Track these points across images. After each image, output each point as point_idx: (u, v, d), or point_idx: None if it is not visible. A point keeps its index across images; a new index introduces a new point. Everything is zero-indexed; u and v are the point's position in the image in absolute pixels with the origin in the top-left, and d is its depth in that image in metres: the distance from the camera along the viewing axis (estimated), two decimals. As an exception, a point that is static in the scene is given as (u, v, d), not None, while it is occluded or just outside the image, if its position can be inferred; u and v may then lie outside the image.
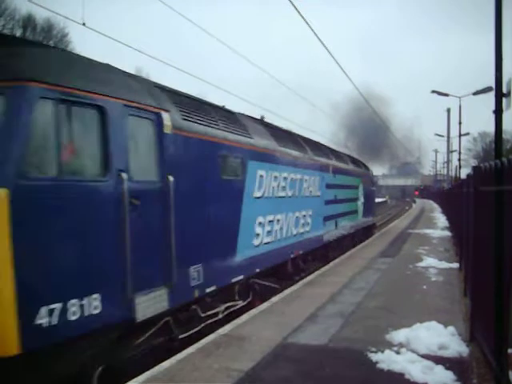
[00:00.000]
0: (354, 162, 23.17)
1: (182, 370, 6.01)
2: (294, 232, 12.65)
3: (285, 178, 12.00)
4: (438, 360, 6.14)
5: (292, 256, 12.57)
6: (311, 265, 14.78)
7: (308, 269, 14.22)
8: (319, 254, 15.75)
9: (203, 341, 7.14)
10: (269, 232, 10.93)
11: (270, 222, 10.97)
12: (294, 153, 13.00)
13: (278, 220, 11.52)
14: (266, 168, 10.79)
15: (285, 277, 12.45)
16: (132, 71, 7.62)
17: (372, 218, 26.38)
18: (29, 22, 42.59)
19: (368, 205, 24.30)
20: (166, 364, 6.22)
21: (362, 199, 22.50)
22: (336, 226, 17.17)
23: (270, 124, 13.64)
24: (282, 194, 11.85)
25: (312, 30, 13.68)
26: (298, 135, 15.54)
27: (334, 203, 16.89)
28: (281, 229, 11.71)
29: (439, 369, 5.84)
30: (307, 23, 12.98)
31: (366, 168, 26.21)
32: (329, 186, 16.10)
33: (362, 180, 23.02)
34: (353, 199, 20.63)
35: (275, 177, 11.36)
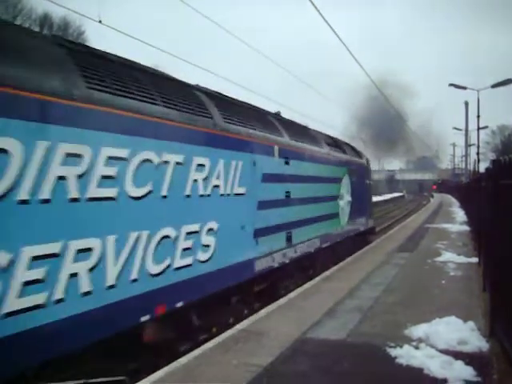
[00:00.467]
0: (337, 144, 16.87)
1: (199, 365, 6.05)
2: (155, 269, 6.32)
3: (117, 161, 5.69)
4: (457, 355, 6.11)
5: (146, 318, 6.17)
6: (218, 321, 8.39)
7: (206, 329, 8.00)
8: (245, 295, 9.34)
9: (222, 336, 7.19)
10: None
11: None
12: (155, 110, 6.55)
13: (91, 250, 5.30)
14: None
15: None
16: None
17: (367, 221, 20.06)
18: (45, 20, 42.93)
19: (360, 205, 18.30)
20: (183, 359, 6.26)
21: (347, 197, 16.46)
22: (290, 241, 10.87)
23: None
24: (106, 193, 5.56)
25: (324, 19, 13.61)
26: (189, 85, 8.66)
27: (284, 205, 10.63)
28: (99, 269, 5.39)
29: (459, 364, 5.81)
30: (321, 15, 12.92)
31: (358, 155, 19.72)
32: (271, 178, 9.94)
33: (350, 171, 16.93)
34: (329, 198, 14.36)
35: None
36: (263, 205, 9.55)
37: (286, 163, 10.93)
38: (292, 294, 9.89)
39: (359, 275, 11.73)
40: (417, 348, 6.37)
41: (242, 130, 8.97)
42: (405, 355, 6.11)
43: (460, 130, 52.57)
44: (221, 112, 8.51)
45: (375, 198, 63.30)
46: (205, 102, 8.18)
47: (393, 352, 6.27)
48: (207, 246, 7.48)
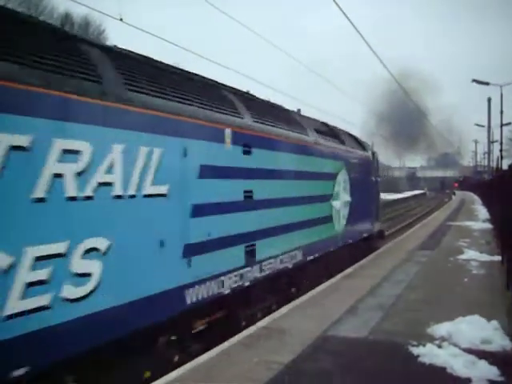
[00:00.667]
0: (332, 133, 13.84)
1: (220, 362, 6.06)
2: None
3: None
4: (480, 354, 6.04)
5: None
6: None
7: None
8: (179, 337, 6.73)
9: (243, 333, 7.20)
10: None
11: None
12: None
13: None
14: None
15: None
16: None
17: (373, 224, 17.18)
18: (66, 20, 43.36)
19: (363, 205, 15.51)
20: (204, 357, 6.27)
21: (345, 197, 13.53)
22: (252, 257, 8.26)
23: None
24: None
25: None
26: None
27: (243, 210, 8.01)
28: None
29: (482, 363, 5.75)
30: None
31: (361, 146, 16.70)
32: (218, 173, 7.36)
33: (349, 165, 13.92)
34: (317, 198, 11.47)
35: None
36: (202, 210, 6.79)
37: (246, 153, 8.13)
38: (313, 292, 9.86)
39: (380, 273, 11.67)
40: (440, 347, 6.32)
41: (161, 104, 6.18)
42: (427, 354, 6.07)
43: (483, 126, 52.02)
44: (120, 72, 5.82)
45: (396, 196, 62.87)
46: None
47: (415, 350, 6.22)
48: (84, 275, 4.86)
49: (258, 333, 7.18)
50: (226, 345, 6.70)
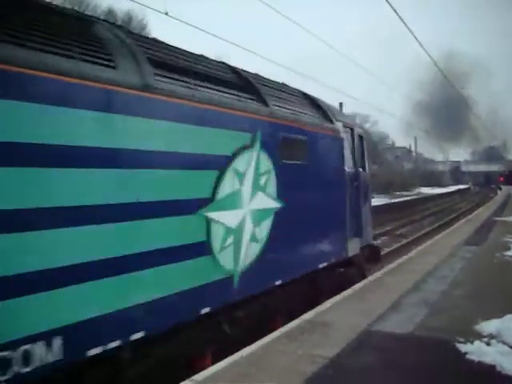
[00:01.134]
0: (237, 81, 7.84)
1: (264, 355, 6.06)
2: None
3: None
4: (531, 353, 5.91)
5: None
6: None
7: None
8: None
9: (287, 326, 7.21)
10: None
11: None
12: None
13: None
14: None
15: None
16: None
17: (348, 243, 10.81)
18: (109, 16, 44.16)
19: (322, 214, 9.69)
20: (248, 349, 6.28)
21: (262, 201, 7.65)
22: None
23: None
24: None
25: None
26: None
27: None
28: None
29: (533, 362, 5.62)
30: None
31: (318, 113, 10.27)
32: None
33: (280, 143, 8.19)
34: (147, 208, 5.43)
35: None
36: None
37: None
38: (357, 286, 9.80)
39: (424, 268, 11.49)
40: (488, 344, 6.18)
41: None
42: (476, 351, 5.95)
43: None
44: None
45: (439, 190, 61.85)
46: None
47: (463, 348, 6.10)
48: None
49: (302, 326, 7.18)
50: (270, 337, 6.73)
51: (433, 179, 78.47)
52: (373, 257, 12.66)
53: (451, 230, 20.52)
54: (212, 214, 6.40)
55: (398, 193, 53.45)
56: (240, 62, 8.36)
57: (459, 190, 72.15)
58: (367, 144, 13.20)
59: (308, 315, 7.72)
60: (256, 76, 8.81)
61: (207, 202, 6.34)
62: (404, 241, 22.22)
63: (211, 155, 6.50)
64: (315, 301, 8.86)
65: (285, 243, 8.25)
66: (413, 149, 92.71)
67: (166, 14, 11.77)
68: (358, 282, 10.37)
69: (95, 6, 43.06)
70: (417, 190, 61.28)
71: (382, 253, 15.88)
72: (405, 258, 13.45)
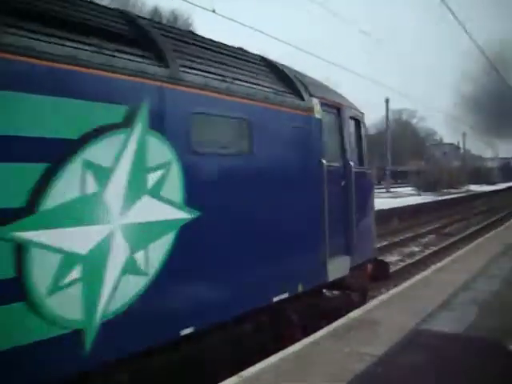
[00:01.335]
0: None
1: (312, 352, 6.08)
2: None
3: None
4: None
5: None
6: None
7: None
8: None
9: (334, 324, 7.19)
10: None
11: None
12: None
13: None
14: None
15: None
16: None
17: (329, 263, 7.76)
18: (155, 15, 44.90)
19: (280, 226, 6.86)
20: (296, 346, 6.30)
21: (143, 213, 4.74)
22: None
23: None
24: None
25: None
26: None
27: None
28: None
29: None
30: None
31: (288, 86, 7.57)
32: None
33: (192, 125, 5.36)
34: None
35: None
36: None
37: None
38: (405, 284, 9.69)
39: (474, 266, 11.26)
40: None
41: None
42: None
43: None
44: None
45: (488, 188, 60.18)
46: None
47: (515, 348, 5.99)
48: None
49: (349, 324, 7.16)
50: (317, 335, 6.73)
51: (481, 176, 76.39)
52: (380, 274, 10.27)
53: (502, 229, 20.00)
54: (30, 234, 3.84)
55: (445, 190, 52.31)
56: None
57: (510, 188, 69.96)
58: (366, 130, 10.30)
59: (354, 314, 7.66)
60: (167, 27, 6.50)
61: (18, 214, 3.78)
62: (451, 239, 21.75)
63: (31, 138, 3.89)
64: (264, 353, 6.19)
65: (200, 271, 5.50)
66: (461, 145, 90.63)
67: (213, 11, 11.86)
68: (351, 309, 8.12)
69: (140, 6, 43.86)
70: (465, 188, 59.81)
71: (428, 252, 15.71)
72: (454, 256, 13.23)
